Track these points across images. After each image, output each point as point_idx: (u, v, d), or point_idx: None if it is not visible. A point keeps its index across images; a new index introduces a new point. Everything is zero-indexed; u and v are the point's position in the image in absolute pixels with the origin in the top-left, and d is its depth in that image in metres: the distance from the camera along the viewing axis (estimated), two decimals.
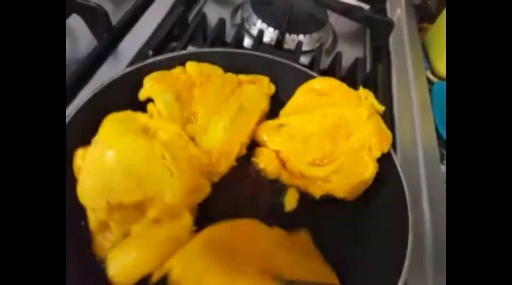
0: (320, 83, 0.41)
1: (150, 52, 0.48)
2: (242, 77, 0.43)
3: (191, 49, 0.53)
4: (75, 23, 0.54)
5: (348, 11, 0.65)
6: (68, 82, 0.46)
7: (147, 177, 0.31)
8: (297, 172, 0.38)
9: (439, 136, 0.57)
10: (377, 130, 0.38)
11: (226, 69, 0.43)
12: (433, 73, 0.73)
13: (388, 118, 0.55)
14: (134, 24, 0.57)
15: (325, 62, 0.60)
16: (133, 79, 0.38)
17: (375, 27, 0.66)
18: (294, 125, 0.40)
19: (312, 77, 0.43)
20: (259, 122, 0.41)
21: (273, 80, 0.44)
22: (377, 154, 0.37)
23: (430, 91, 0.67)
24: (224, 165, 0.37)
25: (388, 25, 0.64)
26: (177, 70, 0.40)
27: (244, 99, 0.40)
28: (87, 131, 0.34)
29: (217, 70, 0.42)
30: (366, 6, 0.80)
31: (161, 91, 0.37)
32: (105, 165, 0.31)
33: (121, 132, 0.33)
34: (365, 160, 0.37)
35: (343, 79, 0.54)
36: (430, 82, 0.72)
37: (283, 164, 0.39)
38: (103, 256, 0.30)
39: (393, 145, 0.52)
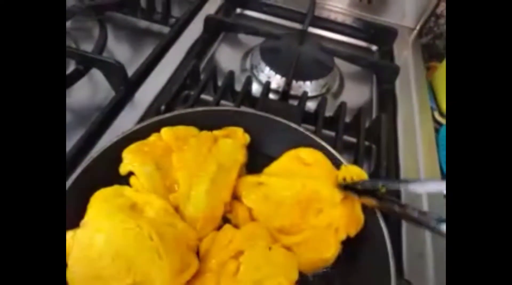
0: (306, 154, 0.43)
1: (163, 107, 0.51)
2: (216, 132, 0.44)
3: (202, 97, 0.57)
4: (95, 72, 0.58)
5: (354, 58, 0.67)
6: (89, 130, 0.50)
7: (136, 260, 0.31)
8: None
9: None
10: (348, 214, 0.39)
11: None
12: (441, 114, 0.74)
13: (393, 162, 0.56)
14: (149, 74, 0.61)
15: (333, 105, 0.62)
16: (117, 152, 0.40)
17: (381, 72, 0.68)
18: (272, 186, 0.41)
19: (310, 138, 0.44)
20: (240, 175, 0.42)
21: (269, 136, 0.46)
22: (342, 237, 0.38)
23: (437, 130, 0.68)
24: (210, 229, 0.38)
25: (394, 71, 0.66)
26: (153, 137, 0.41)
27: (221, 156, 0.41)
28: (74, 211, 0.34)
29: (192, 130, 0.43)
30: (374, 47, 0.83)
31: (141, 163, 0.38)
32: (94, 249, 0.31)
33: (109, 212, 0.33)
34: (329, 240, 0.38)
35: (347, 127, 0.56)
36: (437, 123, 0.73)
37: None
38: None
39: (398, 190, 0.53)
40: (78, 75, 0.56)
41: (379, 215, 0.38)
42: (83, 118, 0.57)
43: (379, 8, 0.87)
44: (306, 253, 0.38)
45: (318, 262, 0.39)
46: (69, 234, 0.33)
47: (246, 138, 0.46)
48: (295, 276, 0.35)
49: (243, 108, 0.50)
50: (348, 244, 0.40)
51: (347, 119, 0.57)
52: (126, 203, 0.35)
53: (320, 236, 0.38)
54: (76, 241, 0.32)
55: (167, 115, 0.44)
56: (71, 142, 0.48)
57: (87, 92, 0.60)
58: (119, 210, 0.34)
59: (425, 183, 0.34)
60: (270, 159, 0.45)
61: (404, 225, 0.48)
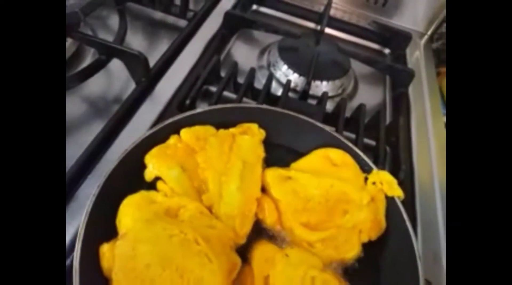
0: (335, 155, 0.44)
1: (188, 102, 0.51)
2: (233, 130, 0.44)
3: (224, 94, 0.57)
4: (114, 65, 0.58)
5: (370, 60, 0.68)
6: (110, 124, 0.50)
7: (187, 266, 0.31)
8: (289, 227, 0.40)
9: None
10: (373, 218, 0.40)
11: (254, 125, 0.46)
12: None
13: (408, 165, 0.57)
14: (169, 67, 0.61)
15: (348, 106, 0.62)
16: (136, 156, 0.39)
17: (396, 76, 0.69)
18: (301, 182, 0.41)
19: (336, 138, 0.45)
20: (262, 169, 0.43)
21: (293, 133, 0.47)
22: (364, 239, 0.40)
23: None
24: (248, 226, 0.38)
25: (409, 75, 0.67)
26: (173, 140, 0.41)
27: (244, 153, 0.42)
28: (103, 220, 0.34)
29: (209, 130, 0.43)
30: (386, 50, 0.84)
31: (167, 167, 0.38)
32: (140, 260, 0.30)
33: (147, 220, 0.33)
34: (353, 241, 0.39)
35: (366, 129, 0.57)
36: None
37: (279, 216, 0.41)
38: None
39: (412, 191, 0.54)
40: (99, 65, 0.55)
41: (405, 216, 0.39)
42: (100, 110, 0.56)
43: (392, 11, 0.88)
44: (328, 251, 0.39)
45: (338, 262, 0.40)
46: (106, 247, 0.32)
47: (262, 133, 0.46)
48: None
49: (266, 106, 0.51)
50: (373, 243, 0.41)
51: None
52: (160, 209, 0.35)
53: (344, 236, 0.39)
54: (118, 253, 0.31)
55: (187, 113, 0.44)
56: (90, 136, 0.48)
57: (103, 83, 0.59)
58: (156, 217, 0.34)
59: None
60: (295, 154, 0.46)
61: (420, 225, 0.50)
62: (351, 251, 0.39)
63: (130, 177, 0.38)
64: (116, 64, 0.57)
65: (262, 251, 0.37)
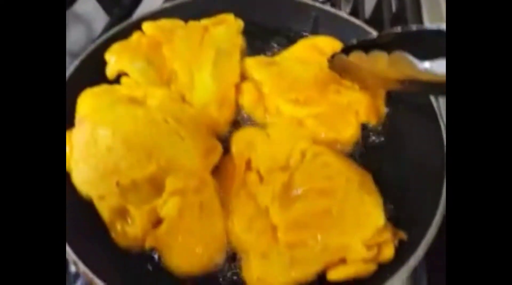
0: (324, 43, 0.39)
1: None
2: (205, 21, 0.40)
3: None
4: (84, 8, 0.55)
5: None
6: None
7: (156, 145, 0.28)
8: (274, 108, 0.35)
9: None
10: (370, 102, 0.36)
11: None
12: None
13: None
14: None
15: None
16: (98, 59, 0.36)
17: None
18: (286, 66, 0.37)
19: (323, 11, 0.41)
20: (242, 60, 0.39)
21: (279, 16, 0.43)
22: (362, 119, 0.35)
23: None
24: (228, 113, 0.35)
25: None
26: (135, 36, 0.37)
27: (218, 41, 0.38)
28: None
29: (177, 22, 0.39)
30: None
31: (130, 60, 0.35)
32: (101, 144, 0.28)
33: (108, 104, 0.30)
34: (349, 119, 0.35)
35: (370, 20, 0.50)
36: None
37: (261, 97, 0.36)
38: (128, 245, 0.27)
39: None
40: None
41: None
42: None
43: None
44: (321, 128, 0.34)
45: (334, 143, 0.35)
46: None
47: (239, 23, 0.42)
48: None
49: None
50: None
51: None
52: (123, 97, 0.31)
53: (339, 114, 0.35)
54: (75, 141, 0.28)
55: (152, 10, 0.40)
56: None
57: (83, 33, 0.55)
58: (118, 101, 0.30)
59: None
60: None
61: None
62: (348, 130, 0.34)
63: (93, 81, 0.34)
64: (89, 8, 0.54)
65: (242, 135, 0.33)
